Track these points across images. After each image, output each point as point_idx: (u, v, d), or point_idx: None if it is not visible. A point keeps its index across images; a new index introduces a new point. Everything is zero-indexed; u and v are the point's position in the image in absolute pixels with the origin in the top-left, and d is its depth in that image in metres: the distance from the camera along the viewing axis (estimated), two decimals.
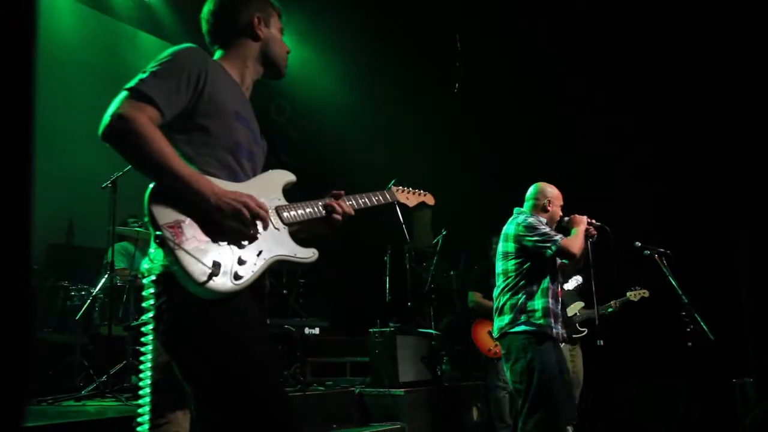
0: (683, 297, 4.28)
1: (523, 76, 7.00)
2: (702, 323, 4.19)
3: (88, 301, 5.13)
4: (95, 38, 6.95)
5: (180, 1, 7.06)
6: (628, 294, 5.14)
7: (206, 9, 2.08)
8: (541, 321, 3.68)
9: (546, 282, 3.77)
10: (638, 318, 4.40)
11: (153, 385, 1.76)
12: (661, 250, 4.48)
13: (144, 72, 1.76)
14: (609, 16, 6.15)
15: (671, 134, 6.44)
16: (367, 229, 5.16)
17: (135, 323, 3.75)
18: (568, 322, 5.67)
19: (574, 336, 5.67)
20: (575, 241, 3.74)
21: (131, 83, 1.73)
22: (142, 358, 1.75)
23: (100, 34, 7.05)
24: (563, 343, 4.28)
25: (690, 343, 4.25)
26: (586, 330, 5.65)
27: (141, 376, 1.75)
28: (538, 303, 3.71)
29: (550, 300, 3.75)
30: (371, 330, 5.84)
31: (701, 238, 5.98)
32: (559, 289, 3.86)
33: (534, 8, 6.45)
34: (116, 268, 5.10)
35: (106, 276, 5.06)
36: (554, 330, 3.72)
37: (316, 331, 6.37)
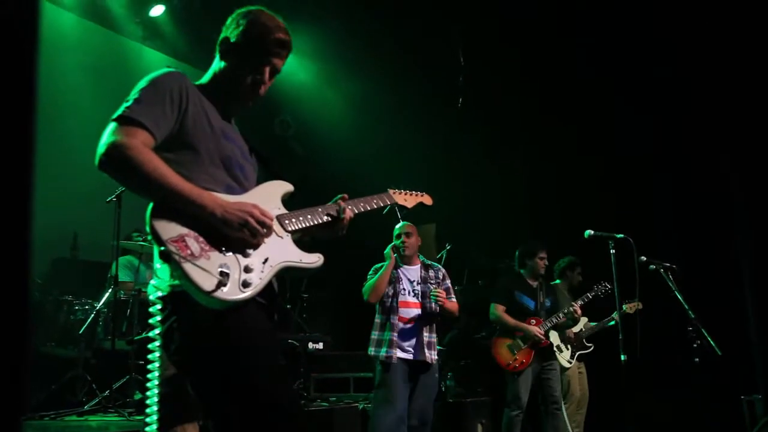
0: (690, 312, 4.25)
1: (528, 92, 7.01)
2: (709, 338, 4.15)
3: (92, 315, 5.12)
4: (101, 53, 6.99)
5: (185, 18, 7.11)
6: (624, 307, 5.12)
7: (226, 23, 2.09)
8: (373, 350, 4.47)
9: (379, 317, 4.53)
10: (645, 333, 4.38)
11: (160, 398, 1.76)
12: (667, 264, 4.46)
13: (127, 101, 1.78)
14: (613, 21, 6.14)
15: (676, 147, 6.43)
16: (371, 244, 5.15)
17: (138, 337, 3.74)
18: (572, 339, 5.63)
19: (580, 353, 5.62)
20: (370, 287, 4.54)
21: (117, 112, 1.75)
22: (149, 374, 1.74)
23: (105, 50, 7.10)
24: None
25: (697, 359, 4.21)
26: (592, 345, 5.60)
27: (148, 385, 1.74)
28: (373, 335, 4.52)
29: (378, 332, 4.50)
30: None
31: (708, 252, 5.95)
32: (398, 317, 4.45)
33: (538, 23, 6.47)
34: (120, 281, 5.10)
35: (110, 290, 5.05)
36: (389, 355, 4.36)
37: (320, 346, 6.34)
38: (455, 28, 7.04)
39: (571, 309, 5.18)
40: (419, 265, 4.71)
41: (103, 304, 5.15)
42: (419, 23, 6.95)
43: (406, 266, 4.70)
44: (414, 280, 4.61)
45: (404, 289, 4.57)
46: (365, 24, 7.11)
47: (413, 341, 4.43)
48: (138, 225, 5.71)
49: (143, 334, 3.61)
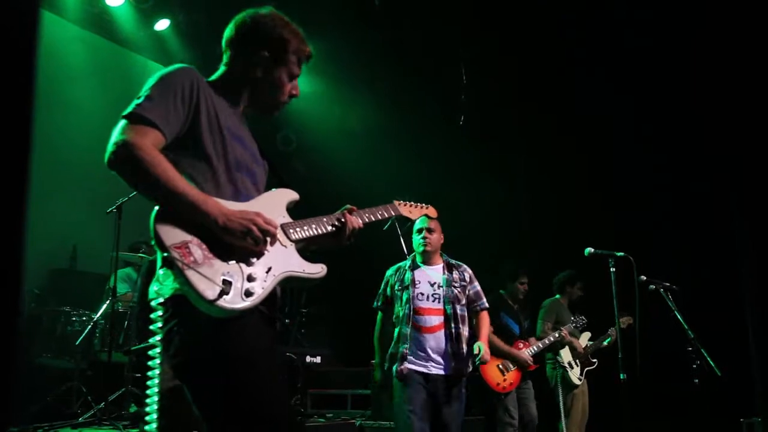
0: (689, 332, 4.22)
1: (528, 109, 7.04)
2: (709, 359, 4.12)
3: (89, 326, 5.10)
4: (104, 66, 7.02)
5: (190, 33, 7.16)
6: (617, 322, 5.10)
7: (236, 20, 2.06)
8: (387, 365, 3.97)
9: (396, 328, 4.01)
10: (644, 353, 4.36)
11: (160, 411, 1.75)
12: (667, 284, 4.44)
13: (138, 98, 1.78)
14: (615, 37, 6.16)
15: (678, 166, 6.44)
16: (370, 259, 5.14)
17: (135, 347, 3.73)
18: (581, 354, 5.58)
19: (587, 369, 5.58)
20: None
21: (128, 110, 1.74)
22: (148, 383, 1.72)
23: (109, 63, 7.13)
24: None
25: (696, 380, 4.17)
26: (596, 362, 5.56)
27: (148, 402, 1.72)
28: (391, 349, 4.00)
29: (393, 345, 3.98)
30: (373, 362, 5.78)
31: (708, 272, 5.93)
32: (414, 326, 3.93)
33: (541, 42, 6.50)
34: (119, 293, 5.08)
35: (107, 302, 5.04)
36: (399, 368, 3.85)
37: (318, 359, 6.30)
38: (458, 47, 7.08)
39: (560, 335, 5.24)
40: (441, 265, 4.12)
41: (100, 315, 5.13)
42: (422, 40, 6.99)
43: (425, 266, 4.10)
44: (435, 283, 4.02)
45: (422, 294, 3.99)
46: (367, 40, 7.15)
47: (435, 353, 3.86)
48: (138, 237, 5.71)
49: (140, 345, 3.59)
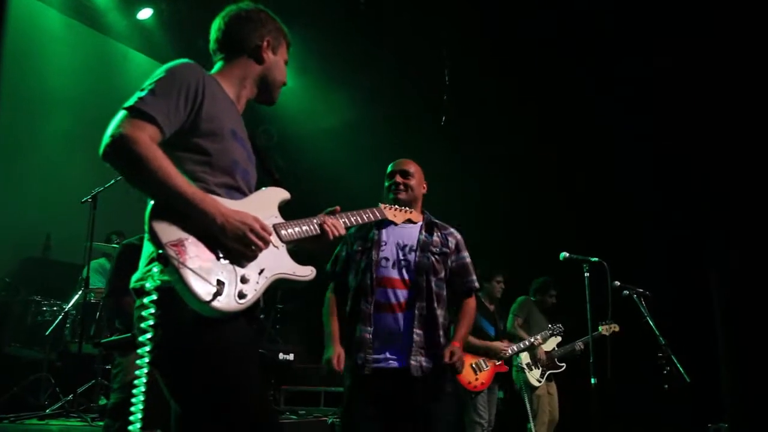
0: (660, 338, 4.28)
1: (509, 110, 7.09)
2: (678, 365, 4.18)
3: (60, 316, 5.03)
4: (85, 54, 6.92)
5: (173, 22, 7.09)
6: (600, 328, 5.14)
7: (221, 18, 2.07)
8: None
9: (349, 303, 2.98)
10: (615, 358, 4.41)
11: (125, 403, 1.73)
12: (640, 290, 4.49)
13: (142, 90, 1.74)
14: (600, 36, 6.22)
15: (654, 173, 6.53)
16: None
17: (105, 340, 3.68)
18: (543, 360, 5.63)
19: (551, 372, 5.64)
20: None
21: (130, 102, 1.71)
22: (137, 372, 1.68)
23: (90, 51, 7.03)
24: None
25: (666, 386, 4.23)
26: (564, 365, 5.61)
27: (134, 392, 1.70)
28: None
29: (345, 327, 2.97)
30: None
31: (679, 279, 6.02)
32: (374, 302, 2.89)
33: (526, 41, 6.54)
34: (92, 286, 5.02)
35: (80, 292, 4.97)
36: (360, 362, 2.86)
37: (291, 356, 6.29)
38: (442, 46, 7.10)
39: (534, 341, 5.24)
40: (420, 224, 3.05)
41: (72, 306, 5.06)
42: (407, 36, 6.99)
43: (400, 223, 2.77)
44: (406, 245, 2.97)
45: (386, 259, 2.94)
46: (352, 33, 7.14)
47: (398, 340, 2.84)
48: (112, 227, 5.64)
49: (111, 338, 3.55)
